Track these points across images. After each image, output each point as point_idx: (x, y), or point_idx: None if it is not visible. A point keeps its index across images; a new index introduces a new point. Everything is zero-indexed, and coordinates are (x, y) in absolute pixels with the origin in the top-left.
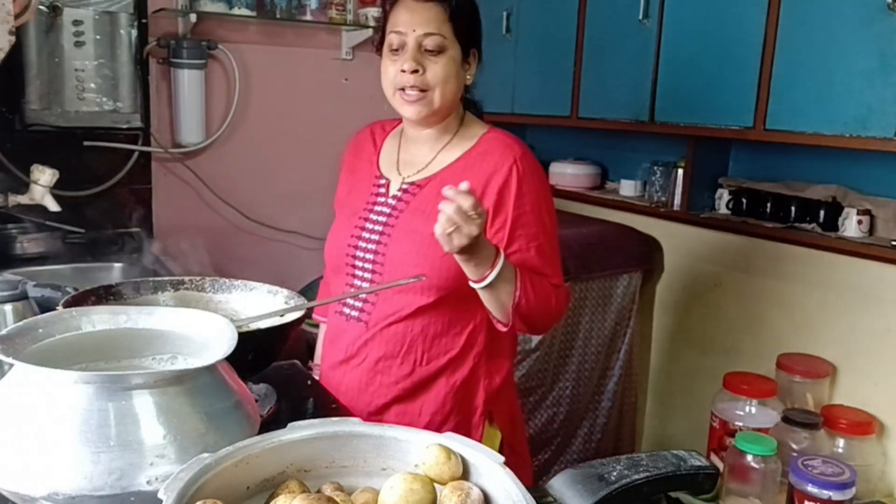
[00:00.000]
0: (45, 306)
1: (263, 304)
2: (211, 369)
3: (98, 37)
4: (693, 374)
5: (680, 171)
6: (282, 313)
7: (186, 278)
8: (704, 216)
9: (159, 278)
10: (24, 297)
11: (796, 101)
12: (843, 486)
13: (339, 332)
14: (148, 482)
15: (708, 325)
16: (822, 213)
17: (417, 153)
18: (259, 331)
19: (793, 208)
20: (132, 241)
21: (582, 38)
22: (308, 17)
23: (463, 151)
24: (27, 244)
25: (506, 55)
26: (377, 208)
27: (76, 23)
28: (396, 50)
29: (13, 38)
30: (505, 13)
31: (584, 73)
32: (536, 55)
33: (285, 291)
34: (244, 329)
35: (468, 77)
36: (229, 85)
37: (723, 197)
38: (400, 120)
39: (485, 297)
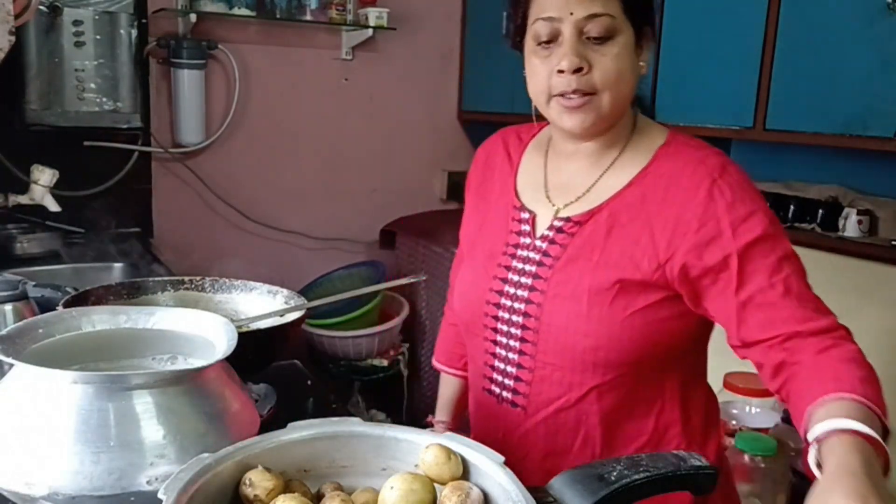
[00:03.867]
0: (45, 306)
1: (263, 304)
2: (211, 369)
3: (98, 37)
4: None
5: None
6: (282, 313)
7: (186, 278)
8: None
9: (159, 278)
10: (24, 297)
11: (796, 101)
12: None
13: (489, 415)
14: (148, 482)
15: None
16: (822, 213)
17: (575, 174)
18: (259, 331)
19: (793, 208)
20: (132, 241)
21: None
22: (308, 17)
23: (636, 172)
24: (27, 244)
25: (506, 55)
26: (521, 253)
27: (76, 23)
28: (548, 43)
29: (13, 38)
30: (505, 13)
31: None
32: None
33: (285, 291)
34: (244, 329)
35: (642, 65)
36: (229, 85)
37: None
38: (540, 125)
39: None
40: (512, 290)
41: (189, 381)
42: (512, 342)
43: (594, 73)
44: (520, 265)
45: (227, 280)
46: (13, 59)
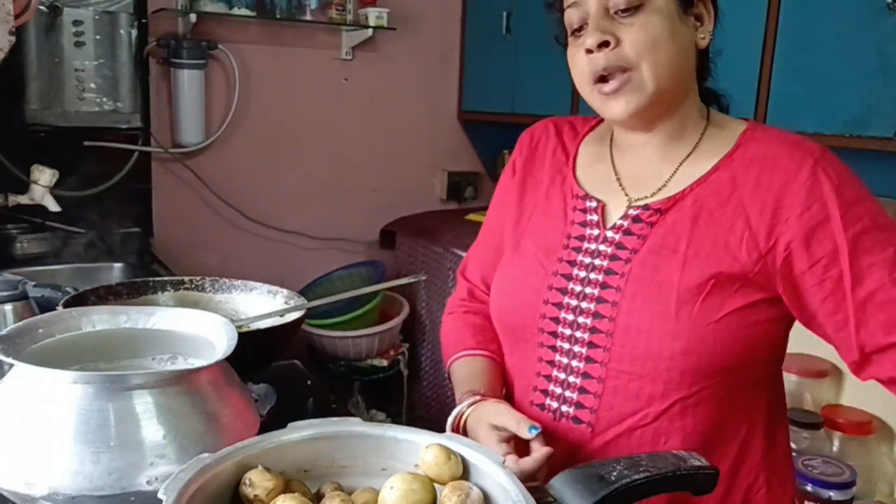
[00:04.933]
0: (45, 306)
1: (263, 304)
2: (211, 369)
3: (98, 37)
4: None
5: None
6: (282, 313)
7: (186, 278)
8: None
9: (159, 278)
10: (24, 297)
11: (796, 101)
12: (843, 486)
13: (546, 434)
14: (148, 482)
15: None
16: None
17: (647, 165)
18: (259, 331)
19: None
20: (132, 241)
21: None
22: (308, 17)
23: (720, 157)
24: (27, 244)
25: (506, 55)
26: (588, 246)
27: (76, 23)
28: (579, 30)
29: (13, 38)
30: (505, 13)
31: None
32: (536, 55)
33: (285, 291)
34: (244, 329)
35: (702, 38)
36: (229, 85)
37: None
38: (596, 119)
39: None
40: (578, 289)
41: (189, 381)
42: (577, 348)
43: (624, 45)
44: (587, 260)
45: (227, 280)
46: (13, 59)
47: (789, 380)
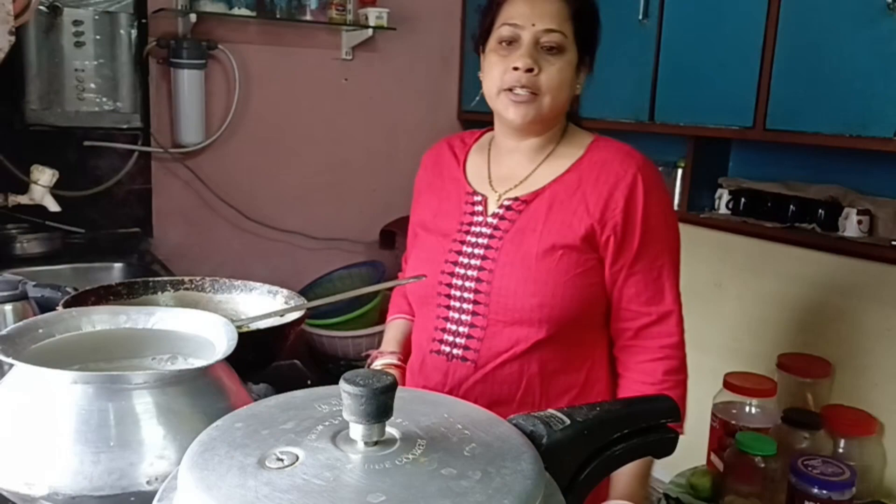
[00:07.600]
0: (45, 306)
1: (263, 304)
2: (211, 369)
3: (98, 37)
4: (693, 374)
5: (680, 171)
6: (282, 313)
7: (186, 278)
8: (704, 216)
9: (159, 278)
10: (24, 297)
11: (796, 101)
12: (843, 486)
13: (435, 372)
14: (148, 482)
15: (708, 325)
16: (821, 212)
17: (515, 167)
18: (259, 331)
19: (793, 208)
20: (132, 241)
21: None
22: (308, 17)
23: (572, 162)
24: (27, 244)
25: None
26: (475, 229)
27: (76, 23)
28: (509, 43)
29: (13, 38)
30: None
31: None
32: None
33: (285, 291)
34: (244, 329)
35: (578, 87)
36: (229, 85)
37: (723, 197)
38: (481, 131)
39: None
40: (465, 261)
41: (189, 381)
42: (465, 305)
43: (542, 76)
44: (472, 239)
45: (227, 280)
46: (13, 59)
47: (790, 380)
